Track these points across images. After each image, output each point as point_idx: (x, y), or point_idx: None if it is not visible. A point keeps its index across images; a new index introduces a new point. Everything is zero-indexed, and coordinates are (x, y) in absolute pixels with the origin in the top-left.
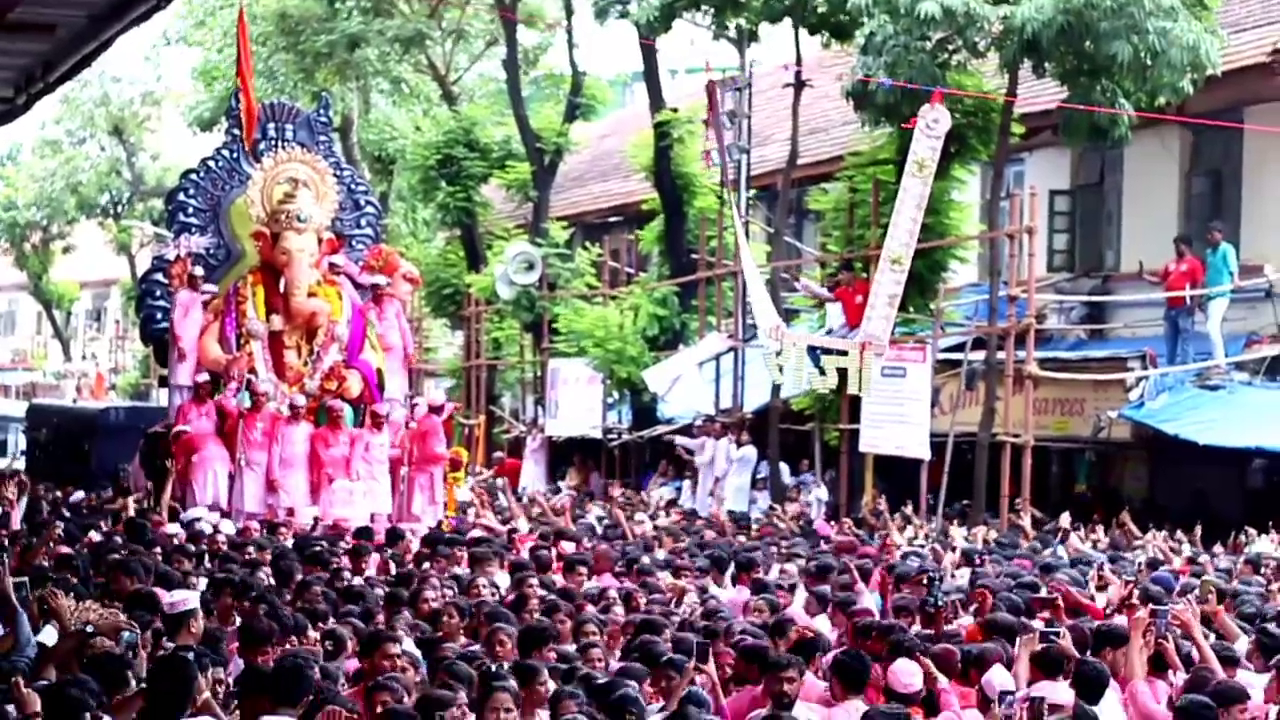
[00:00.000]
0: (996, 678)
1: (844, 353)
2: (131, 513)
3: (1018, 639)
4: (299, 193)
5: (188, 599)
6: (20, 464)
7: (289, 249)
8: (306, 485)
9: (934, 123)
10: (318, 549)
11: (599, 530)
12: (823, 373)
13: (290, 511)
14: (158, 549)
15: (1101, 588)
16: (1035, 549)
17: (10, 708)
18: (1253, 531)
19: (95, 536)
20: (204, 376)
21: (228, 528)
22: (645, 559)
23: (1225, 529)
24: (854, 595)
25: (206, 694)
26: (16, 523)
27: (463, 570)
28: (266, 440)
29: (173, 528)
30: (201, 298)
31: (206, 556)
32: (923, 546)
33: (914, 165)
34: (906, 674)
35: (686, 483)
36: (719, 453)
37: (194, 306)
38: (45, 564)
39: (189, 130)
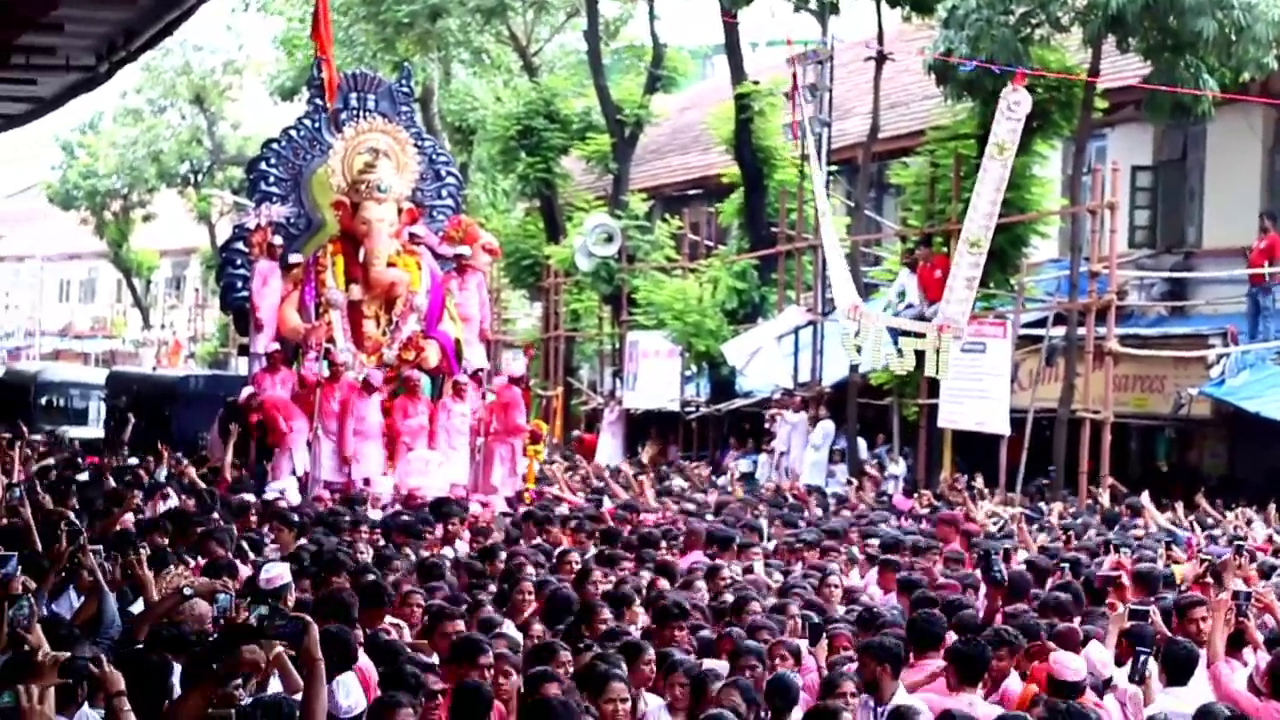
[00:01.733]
0: (1095, 654)
1: (922, 335)
2: (199, 481)
3: (1110, 616)
4: (379, 163)
5: (283, 574)
6: (100, 432)
7: (369, 219)
8: (382, 455)
9: (1015, 105)
10: (408, 521)
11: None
12: (900, 354)
13: (366, 481)
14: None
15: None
16: (1113, 518)
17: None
18: None
19: (172, 503)
20: (275, 346)
21: (294, 498)
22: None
23: None
24: (916, 573)
25: (279, 648)
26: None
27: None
28: (343, 410)
29: (249, 497)
30: (280, 267)
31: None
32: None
33: (994, 148)
34: (1072, 663)
35: (763, 456)
36: (797, 427)
37: (273, 275)
38: (128, 531)
39: (270, 99)
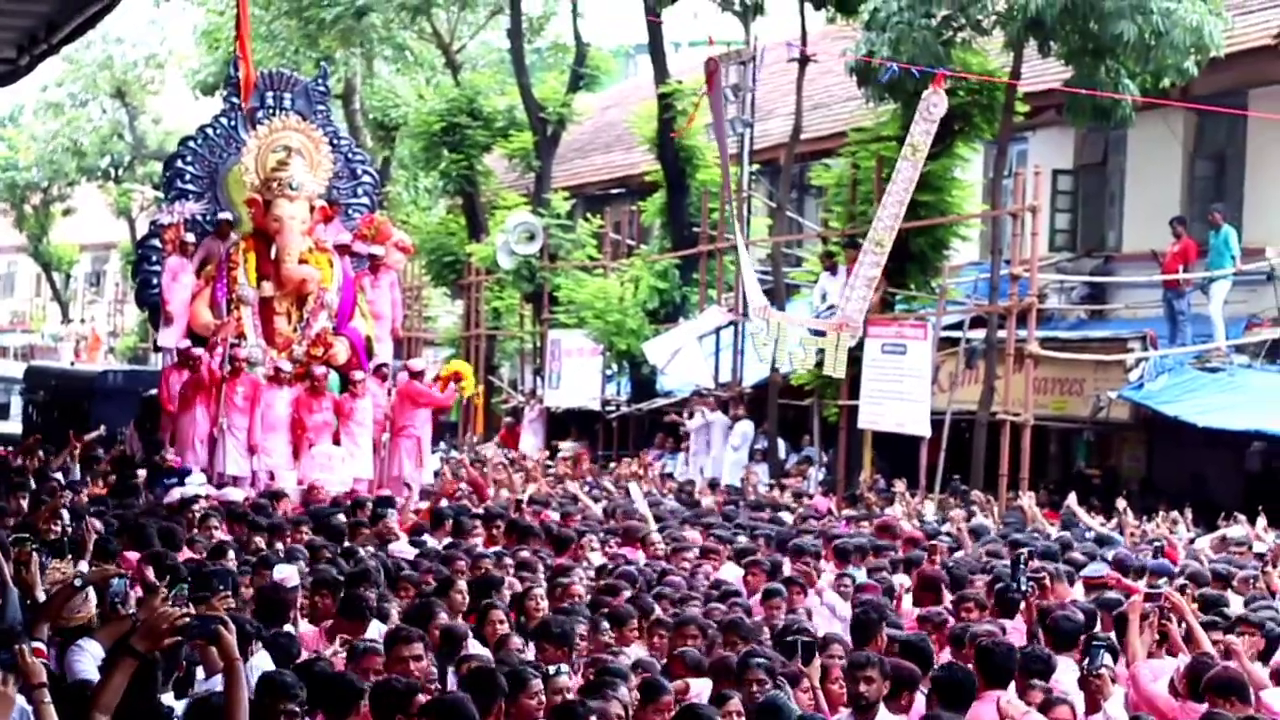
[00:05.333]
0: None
1: (823, 333)
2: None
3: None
4: (292, 160)
5: (292, 575)
6: (19, 427)
7: (280, 216)
8: (288, 450)
9: (933, 107)
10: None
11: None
12: (805, 352)
13: (271, 476)
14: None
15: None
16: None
17: None
18: (1240, 516)
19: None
20: (186, 343)
21: (236, 495)
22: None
23: (1222, 512)
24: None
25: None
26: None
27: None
28: (249, 405)
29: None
30: (192, 263)
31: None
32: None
33: (908, 149)
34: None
35: (682, 455)
36: (715, 425)
37: (184, 271)
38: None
39: (191, 94)
